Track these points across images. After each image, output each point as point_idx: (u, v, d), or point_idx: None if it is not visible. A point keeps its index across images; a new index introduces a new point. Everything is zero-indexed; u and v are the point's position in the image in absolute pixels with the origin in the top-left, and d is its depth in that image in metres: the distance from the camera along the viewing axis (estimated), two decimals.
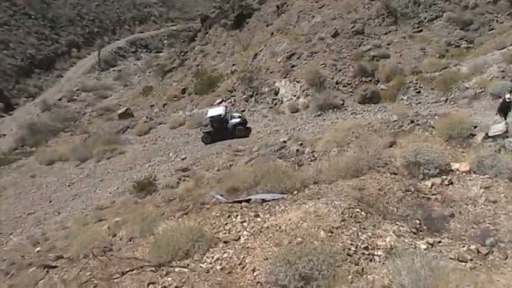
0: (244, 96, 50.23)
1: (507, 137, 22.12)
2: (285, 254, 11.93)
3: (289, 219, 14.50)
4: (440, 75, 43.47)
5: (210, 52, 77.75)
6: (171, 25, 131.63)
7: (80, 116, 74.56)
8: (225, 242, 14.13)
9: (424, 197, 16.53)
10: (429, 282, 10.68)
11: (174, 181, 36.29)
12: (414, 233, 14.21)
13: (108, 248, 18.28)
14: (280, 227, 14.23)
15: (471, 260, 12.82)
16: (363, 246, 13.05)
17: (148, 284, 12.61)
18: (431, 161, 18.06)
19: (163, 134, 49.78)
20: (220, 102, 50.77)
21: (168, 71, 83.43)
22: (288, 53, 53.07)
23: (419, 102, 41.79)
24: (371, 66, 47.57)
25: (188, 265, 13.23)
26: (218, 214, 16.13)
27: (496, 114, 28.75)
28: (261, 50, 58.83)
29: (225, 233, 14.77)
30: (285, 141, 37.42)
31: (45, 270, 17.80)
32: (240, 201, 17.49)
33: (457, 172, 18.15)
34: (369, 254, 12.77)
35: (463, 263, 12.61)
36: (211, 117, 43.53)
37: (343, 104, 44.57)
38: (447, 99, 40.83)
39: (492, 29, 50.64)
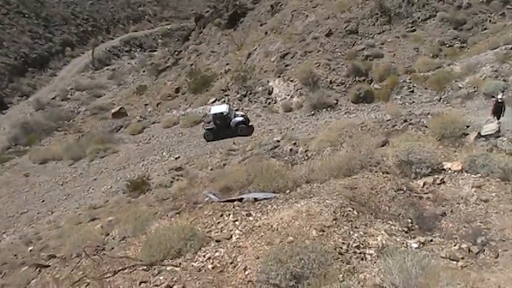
0: (238, 95, 50.18)
1: (499, 136, 22.22)
2: (277, 253, 11.95)
3: (281, 218, 14.52)
4: (434, 75, 43.57)
5: (204, 51, 77.68)
6: (166, 24, 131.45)
7: (74, 115, 74.22)
8: (217, 241, 14.15)
9: (416, 196, 16.58)
10: (420, 280, 10.73)
11: (167, 180, 36.28)
12: (406, 232, 14.26)
13: (100, 247, 18.30)
14: (272, 226, 14.25)
15: (462, 258, 12.87)
16: (354, 245, 13.08)
17: (140, 283, 12.61)
18: (424, 160, 18.13)
19: (157, 133, 49.67)
20: (214, 102, 50.72)
21: (162, 70, 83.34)
22: (281, 52, 53.04)
23: (413, 102, 41.86)
24: (365, 66, 47.60)
25: (180, 264, 13.24)
26: (210, 213, 16.15)
27: (491, 115, 28.97)
28: (255, 50, 58.76)
29: (217, 232, 14.78)
30: (278, 141, 37.51)
31: (38, 269, 17.75)
32: (233, 200, 17.52)
33: (449, 171, 18.21)
34: (360, 253, 12.81)
35: (454, 262, 12.65)
36: (214, 114, 43.45)
37: (336, 103, 44.57)
38: (440, 98, 40.92)
39: (485, 29, 50.78)
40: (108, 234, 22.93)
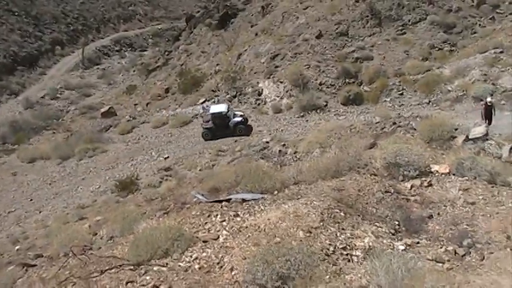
0: (227, 96, 50.20)
1: (487, 139, 22.32)
2: (263, 254, 11.96)
3: (269, 219, 14.53)
4: (423, 78, 43.82)
5: (195, 52, 77.63)
6: (156, 24, 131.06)
7: (63, 114, 74.07)
8: (204, 242, 14.13)
9: (403, 198, 16.63)
10: (406, 282, 10.78)
11: (156, 180, 36.27)
12: (393, 234, 14.29)
13: (88, 247, 18.21)
14: (259, 227, 14.25)
15: (448, 260, 12.92)
16: (341, 246, 13.10)
17: (127, 283, 12.57)
18: (411, 162, 18.17)
19: (146, 133, 49.63)
20: (204, 102, 50.75)
21: (152, 70, 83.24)
22: (272, 53, 53.13)
23: (402, 104, 42.06)
24: (354, 68, 47.79)
25: (167, 264, 13.21)
26: (198, 213, 16.12)
27: (483, 119, 29.21)
28: (245, 50, 58.83)
29: (204, 233, 14.76)
30: (267, 142, 37.57)
31: (24, 268, 17.64)
32: (221, 201, 17.48)
33: (437, 174, 18.28)
34: (347, 254, 12.83)
35: (440, 264, 12.70)
36: (213, 113, 43.43)
37: (326, 105, 44.73)
38: (429, 101, 41.17)
39: (475, 33, 51.13)
40: (96, 234, 22.80)
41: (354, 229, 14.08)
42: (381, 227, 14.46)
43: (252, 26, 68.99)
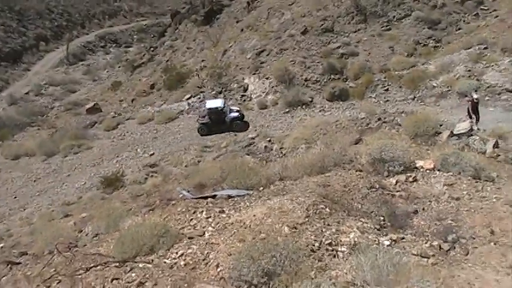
0: (213, 92, 50.16)
1: (471, 135, 22.45)
2: (249, 250, 11.92)
3: (254, 215, 14.51)
4: (408, 74, 44.04)
5: (180, 48, 77.53)
6: (141, 20, 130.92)
7: (48, 111, 73.61)
8: (189, 238, 14.09)
9: (388, 194, 16.63)
10: (391, 278, 10.79)
11: (141, 177, 36.19)
12: (378, 230, 14.30)
13: (73, 244, 18.11)
14: (244, 223, 14.23)
15: (433, 255, 12.93)
16: (326, 242, 13.08)
17: (112, 280, 12.52)
18: (396, 158, 18.18)
19: (131, 129, 49.46)
20: (189, 98, 50.69)
21: (138, 66, 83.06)
22: (257, 49, 53.16)
23: (387, 100, 42.23)
24: (340, 64, 47.92)
25: (152, 261, 13.16)
26: (184, 210, 16.08)
27: (467, 115, 29.35)
28: (231, 46, 58.81)
29: (189, 229, 14.72)
30: (253, 138, 37.64)
31: (9, 266, 17.50)
32: (206, 197, 17.47)
33: (422, 169, 18.30)
34: (332, 250, 12.80)
35: (425, 259, 12.71)
36: (209, 108, 43.36)
37: (311, 101, 44.82)
38: (415, 97, 41.37)
39: (459, 29, 51.45)
40: (81, 231, 22.71)
41: (339, 225, 14.08)
42: (366, 223, 14.46)
43: (237, 22, 69.02)
